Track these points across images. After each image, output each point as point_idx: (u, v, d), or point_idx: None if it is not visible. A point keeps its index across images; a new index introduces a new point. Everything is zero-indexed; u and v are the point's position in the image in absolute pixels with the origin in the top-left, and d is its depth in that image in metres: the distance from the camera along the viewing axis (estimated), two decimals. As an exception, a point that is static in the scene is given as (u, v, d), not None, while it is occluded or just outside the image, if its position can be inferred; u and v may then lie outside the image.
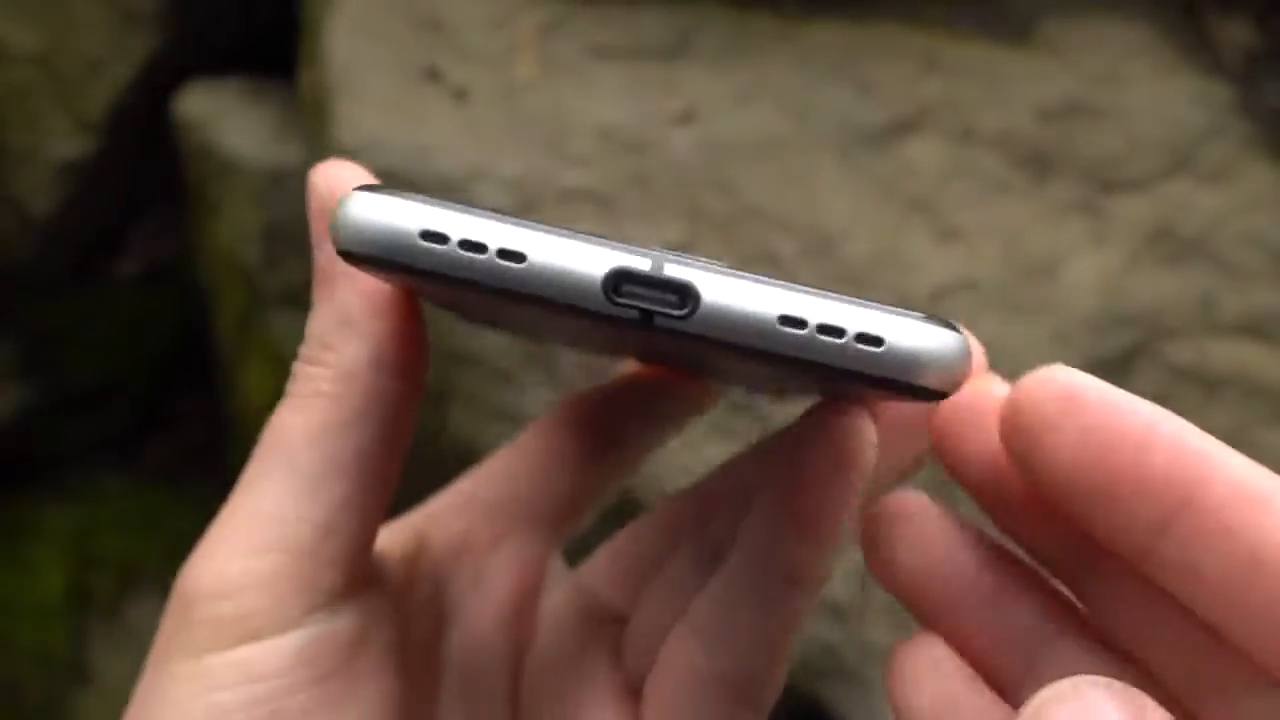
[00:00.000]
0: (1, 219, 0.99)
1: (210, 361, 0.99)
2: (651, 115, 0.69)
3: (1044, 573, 0.24)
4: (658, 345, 0.21)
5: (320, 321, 0.24)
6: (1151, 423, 0.20)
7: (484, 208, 0.19)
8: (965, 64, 0.74)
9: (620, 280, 0.18)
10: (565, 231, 0.19)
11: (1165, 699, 0.20)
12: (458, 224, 0.18)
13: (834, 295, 0.19)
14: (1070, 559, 0.22)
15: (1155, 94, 0.74)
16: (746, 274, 0.19)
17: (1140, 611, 0.21)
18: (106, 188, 1.01)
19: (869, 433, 0.23)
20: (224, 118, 0.89)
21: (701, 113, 0.70)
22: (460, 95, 0.69)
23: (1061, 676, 0.20)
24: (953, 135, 0.71)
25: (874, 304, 0.19)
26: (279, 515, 0.23)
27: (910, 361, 0.18)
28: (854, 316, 0.18)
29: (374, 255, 0.19)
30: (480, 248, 0.18)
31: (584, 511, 0.30)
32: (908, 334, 0.18)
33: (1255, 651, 0.19)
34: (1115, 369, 0.63)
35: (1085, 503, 0.20)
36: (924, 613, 0.23)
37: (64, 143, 0.96)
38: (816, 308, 0.18)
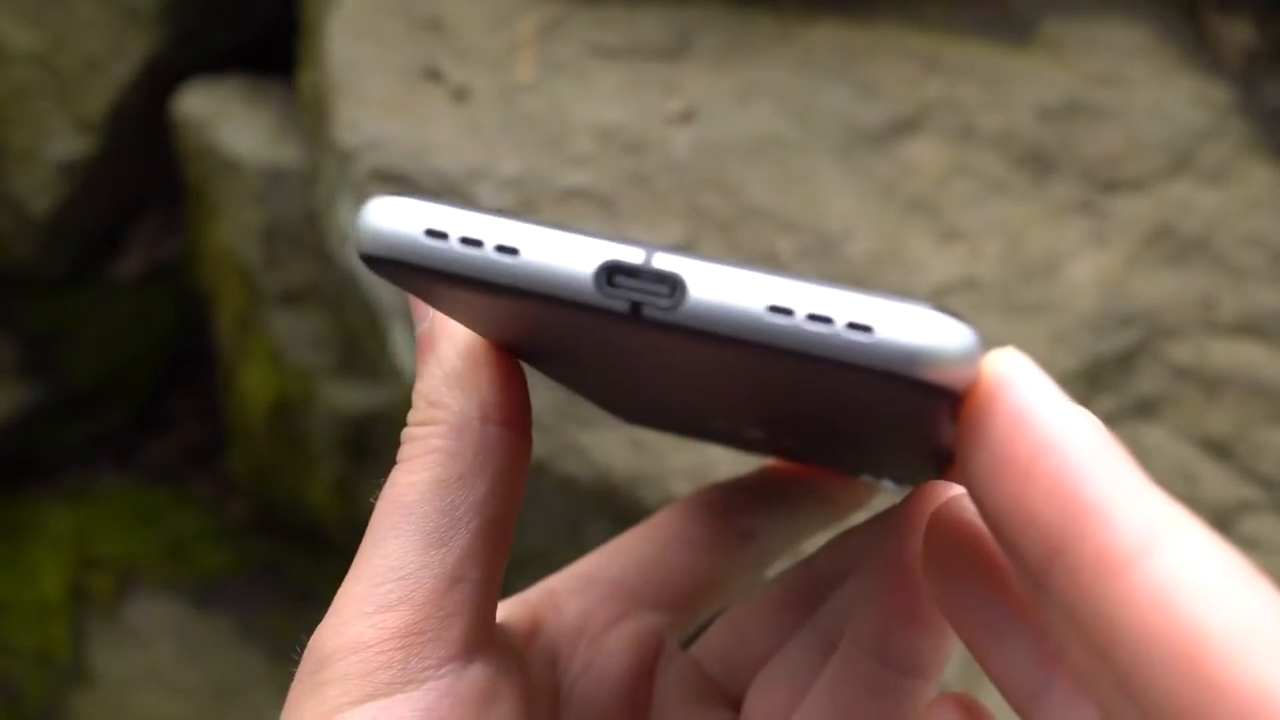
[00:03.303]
0: (1, 219, 0.99)
1: (210, 361, 0.99)
2: (651, 115, 0.69)
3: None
4: (661, 353, 0.20)
5: (426, 382, 0.24)
6: (1045, 446, 0.17)
7: (492, 209, 0.19)
8: (966, 64, 0.74)
9: (612, 272, 0.18)
10: (562, 227, 0.19)
11: None
12: (458, 221, 0.19)
13: (830, 285, 0.17)
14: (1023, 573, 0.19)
15: (1155, 94, 0.74)
16: (738, 264, 0.18)
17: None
18: (106, 188, 1.01)
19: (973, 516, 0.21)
20: (224, 118, 0.89)
21: (701, 113, 0.70)
22: (460, 95, 0.69)
23: None
24: (953, 135, 0.71)
25: (873, 293, 0.17)
26: (401, 570, 0.23)
27: (902, 350, 0.17)
28: (844, 304, 0.17)
29: (386, 256, 0.19)
30: (478, 243, 0.19)
31: (708, 600, 0.30)
32: (900, 321, 0.17)
33: None
34: (1115, 369, 0.63)
35: (989, 519, 0.18)
36: (959, 632, 0.22)
37: (64, 142, 0.97)
38: (806, 295, 0.17)
